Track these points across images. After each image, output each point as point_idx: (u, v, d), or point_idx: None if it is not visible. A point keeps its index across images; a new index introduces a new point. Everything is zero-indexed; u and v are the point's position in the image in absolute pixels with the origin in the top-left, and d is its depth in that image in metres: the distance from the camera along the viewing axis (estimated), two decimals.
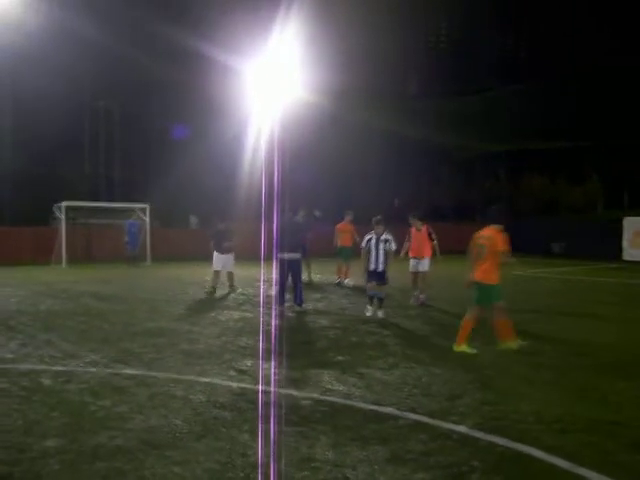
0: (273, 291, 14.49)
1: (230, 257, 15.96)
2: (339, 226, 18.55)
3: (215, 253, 15.95)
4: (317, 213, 18.58)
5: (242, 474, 4.62)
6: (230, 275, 16.14)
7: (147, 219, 27.84)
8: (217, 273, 15.97)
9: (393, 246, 11.99)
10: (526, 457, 5.01)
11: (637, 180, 40.85)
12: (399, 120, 45.20)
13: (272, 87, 30.52)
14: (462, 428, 5.64)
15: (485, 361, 8.34)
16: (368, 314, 12.06)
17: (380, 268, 11.87)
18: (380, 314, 11.89)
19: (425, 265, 14.06)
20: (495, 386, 7.16)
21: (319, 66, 33.21)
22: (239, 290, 16.13)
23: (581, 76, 44.44)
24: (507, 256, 8.73)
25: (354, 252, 17.10)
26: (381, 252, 11.86)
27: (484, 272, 8.75)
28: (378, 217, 12.23)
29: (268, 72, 30.41)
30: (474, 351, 8.69)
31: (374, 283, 11.99)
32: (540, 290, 18.18)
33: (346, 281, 17.72)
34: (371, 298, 12.17)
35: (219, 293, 15.53)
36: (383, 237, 11.92)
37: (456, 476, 4.63)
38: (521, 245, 34.71)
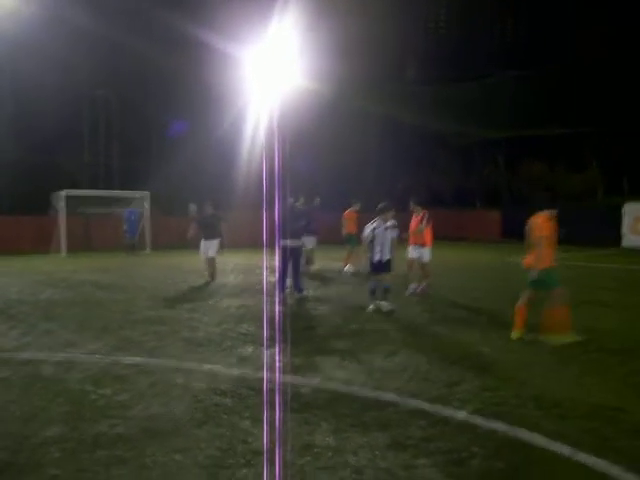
0: (274, 278, 14.49)
1: (214, 243, 15.61)
2: (346, 214, 18.59)
3: (202, 240, 15.71)
4: (317, 200, 18.52)
5: (243, 460, 4.64)
6: (211, 262, 15.62)
7: (147, 207, 27.85)
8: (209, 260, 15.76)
9: (396, 232, 11.46)
10: (526, 443, 5.02)
11: (637, 166, 40.74)
12: (398, 107, 45.02)
13: (271, 74, 30.40)
14: (462, 414, 5.65)
15: (485, 347, 8.35)
16: (370, 309, 11.21)
17: (385, 258, 11.22)
18: (386, 306, 11.28)
19: (425, 255, 13.85)
20: (495, 372, 7.17)
21: (318, 53, 33.04)
22: (232, 277, 16.11)
23: (581, 62, 44.29)
24: (541, 243, 8.59)
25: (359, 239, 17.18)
26: (388, 241, 11.19)
27: (535, 258, 8.69)
28: (385, 204, 11.48)
29: (267, 59, 30.28)
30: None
31: (378, 275, 11.35)
32: None
33: (346, 268, 17.71)
34: (373, 292, 11.40)
35: (219, 280, 15.52)
36: (389, 224, 11.23)
37: (456, 462, 4.64)
38: (522, 231, 34.82)
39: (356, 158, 42.42)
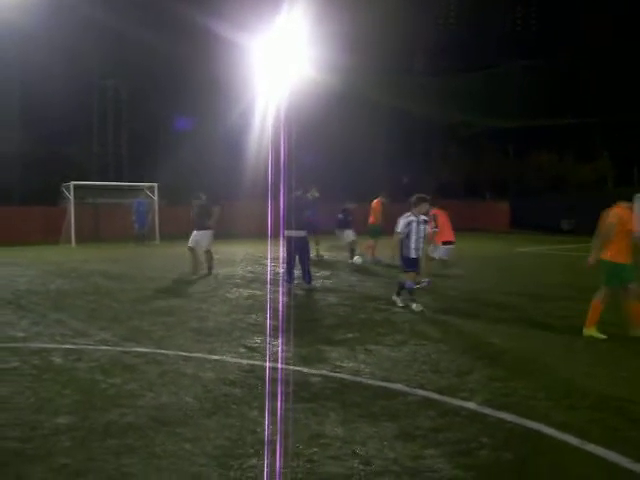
0: (281, 269, 14.49)
1: (205, 234, 15.16)
2: (373, 204, 18.54)
3: (194, 231, 15.28)
4: (316, 193, 18.33)
5: (252, 450, 4.64)
6: (208, 255, 15.28)
7: (155, 198, 27.90)
8: (192, 250, 15.13)
9: (428, 228, 10.89)
10: (535, 433, 5.01)
11: None
12: (406, 98, 44.86)
13: (280, 64, 30.35)
14: (471, 404, 5.64)
15: (494, 337, 8.33)
16: (419, 309, 10.22)
17: (419, 254, 10.50)
18: (399, 302, 10.73)
19: (436, 251, 13.67)
20: (504, 362, 7.15)
21: (326, 43, 32.91)
22: (240, 267, 16.12)
23: (591, 52, 44.02)
24: (636, 236, 8.28)
25: (382, 230, 17.33)
26: (421, 237, 10.42)
27: (614, 251, 8.33)
28: (419, 195, 10.63)
29: (276, 49, 30.22)
30: (603, 336, 8.20)
31: (414, 273, 10.54)
32: (551, 267, 18.16)
33: (356, 257, 17.52)
34: (412, 291, 10.51)
35: (227, 271, 15.52)
36: (422, 218, 10.49)
37: (465, 452, 4.63)
38: (530, 222, 34.69)
39: (364, 149, 42.31)
